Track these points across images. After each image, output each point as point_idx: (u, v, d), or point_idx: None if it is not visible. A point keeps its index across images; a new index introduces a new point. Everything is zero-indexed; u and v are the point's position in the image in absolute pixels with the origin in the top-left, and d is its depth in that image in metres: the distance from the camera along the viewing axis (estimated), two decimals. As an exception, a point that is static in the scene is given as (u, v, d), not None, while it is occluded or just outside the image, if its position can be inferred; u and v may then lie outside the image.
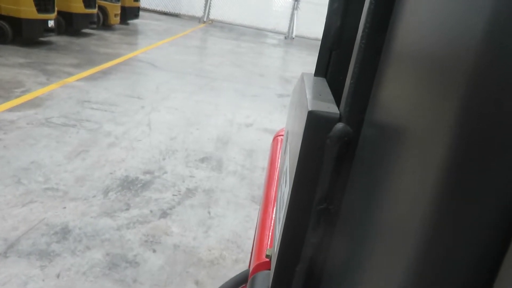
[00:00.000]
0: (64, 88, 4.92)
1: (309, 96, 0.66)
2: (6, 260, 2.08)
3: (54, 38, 7.53)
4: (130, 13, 11.03)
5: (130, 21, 11.51)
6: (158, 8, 16.14)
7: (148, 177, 3.16)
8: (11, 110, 3.98)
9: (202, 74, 7.01)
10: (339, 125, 0.56)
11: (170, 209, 2.79)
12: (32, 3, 6.48)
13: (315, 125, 0.58)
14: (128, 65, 6.76)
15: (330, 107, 0.61)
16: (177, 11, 16.41)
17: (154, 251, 2.35)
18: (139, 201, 2.82)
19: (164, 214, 2.71)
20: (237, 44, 11.60)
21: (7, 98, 4.24)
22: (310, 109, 0.58)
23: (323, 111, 0.58)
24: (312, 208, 0.59)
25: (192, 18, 16.26)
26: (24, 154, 3.17)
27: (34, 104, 4.24)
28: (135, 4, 11.39)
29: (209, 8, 16.38)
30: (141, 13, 12.28)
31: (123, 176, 3.11)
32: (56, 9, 7.14)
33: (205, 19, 16.13)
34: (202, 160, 3.63)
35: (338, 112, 0.59)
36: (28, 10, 6.47)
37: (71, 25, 8.03)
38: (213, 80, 6.74)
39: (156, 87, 5.72)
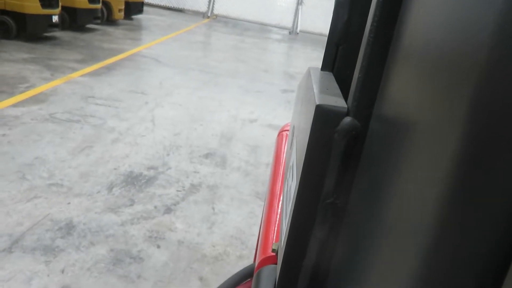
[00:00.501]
0: (68, 84, 4.92)
1: (316, 90, 0.65)
2: (11, 255, 2.09)
3: (58, 34, 7.54)
4: (134, 8, 11.01)
5: (134, 16, 11.50)
6: (162, 3, 16.12)
7: (152, 172, 3.16)
8: (15, 105, 3.98)
9: (206, 70, 6.99)
10: (347, 119, 0.55)
11: (174, 205, 2.79)
12: (36, -1, 6.49)
13: (323, 119, 0.57)
14: (132, 60, 6.75)
15: (337, 101, 0.60)
16: (181, 6, 16.38)
17: (158, 247, 2.35)
18: (143, 196, 2.81)
19: (168, 210, 2.71)
20: (241, 40, 11.57)
21: (11, 94, 4.25)
22: (317, 103, 0.57)
23: (330, 105, 0.57)
24: (319, 202, 0.59)
25: (196, 13, 16.23)
26: (29, 149, 3.17)
27: (38, 99, 4.25)
28: (139, -1, 11.38)
29: (213, 3, 16.34)
30: (145, 8, 12.26)
31: (127, 171, 3.11)
32: (60, 4, 7.14)
33: (209, 14, 16.09)
34: (206, 156, 3.62)
35: (346, 106, 0.58)
36: (32, 6, 6.47)
37: (75, 20, 8.03)
38: (217, 76, 6.73)
39: (159, 82, 5.71)
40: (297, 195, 0.61)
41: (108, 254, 2.22)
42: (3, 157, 3.00)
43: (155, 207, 2.72)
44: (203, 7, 16.30)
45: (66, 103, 4.27)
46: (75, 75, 5.33)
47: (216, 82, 6.32)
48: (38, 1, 6.52)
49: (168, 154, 3.52)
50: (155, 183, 3.01)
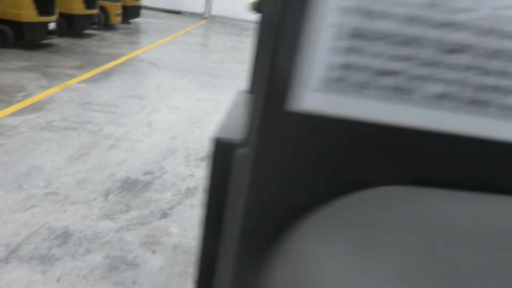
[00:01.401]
0: (65, 91, 4.96)
1: (222, 120, 0.66)
2: (7, 265, 2.11)
3: (56, 40, 7.57)
4: (131, 12, 11.05)
5: (131, 20, 11.54)
6: (160, 6, 16.15)
7: (148, 177, 3.18)
8: (13, 115, 4.02)
9: (203, 72, 7.01)
10: (242, 150, 0.56)
11: (170, 209, 2.81)
12: (33, 7, 6.51)
13: (219, 151, 0.58)
14: (129, 65, 6.78)
15: (237, 133, 0.61)
16: (179, 8, 16.40)
17: (153, 252, 2.37)
18: (139, 202, 2.84)
19: (164, 215, 2.73)
20: (239, 40, 11.57)
21: (9, 103, 4.28)
22: (215, 136, 0.59)
23: (226, 138, 0.58)
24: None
25: (193, 15, 16.25)
26: (26, 159, 3.20)
27: (35, 108, 4.28)
28: (136, 3, 11.41)
29: (211, 4, 16.35)
30: (142, 11, 12.29)
31: (123, 177, 3.13)
32: (57, 11, 7.17)
33: (206, 16, 16.11)
34: (203, 159, 3.64)
35: (241, 137, 0.59)
36: (29, 14, 6.50)
37: (72, 26, 8.06)
38: (215, 77, 6.74)
39: (157, 86, 5.73)
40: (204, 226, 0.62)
41: (103, 261, 2.24)
42: (0, 167, 3.03)
43: (151, 212, 2.74)
44: (200, 9, 16.32)
45: (63, 111, 4.30)
46: (72, 82, 5.36)
47: (214, 83, 6.34)
48: (34, 9, 6.55)
49: (164, 159, 3.54)
50: (151, 188, 3.04)
